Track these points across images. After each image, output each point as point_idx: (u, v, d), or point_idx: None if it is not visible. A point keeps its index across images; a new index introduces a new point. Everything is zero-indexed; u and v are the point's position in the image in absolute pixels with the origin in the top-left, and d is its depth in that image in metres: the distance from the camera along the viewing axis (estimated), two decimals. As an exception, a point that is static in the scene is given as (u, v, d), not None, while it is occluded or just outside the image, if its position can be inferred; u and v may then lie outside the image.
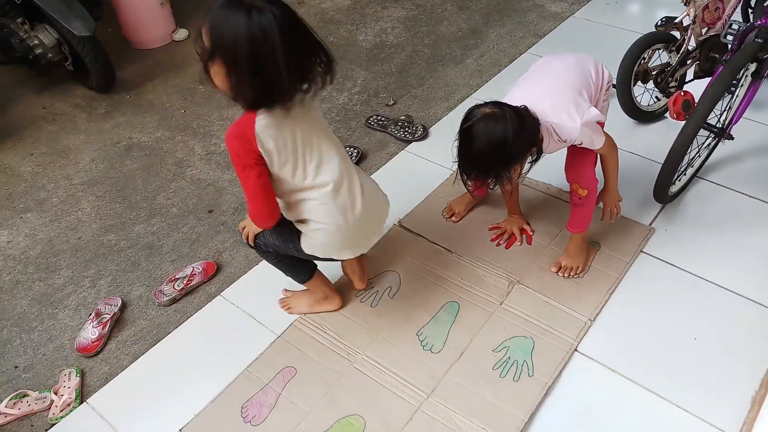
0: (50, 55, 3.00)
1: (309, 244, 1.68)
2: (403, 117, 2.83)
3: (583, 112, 1.72)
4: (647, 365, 1.83)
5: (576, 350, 1.88)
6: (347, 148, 2.66)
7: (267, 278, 2.17)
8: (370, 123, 2.84)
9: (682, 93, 2.14)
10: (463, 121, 1.63)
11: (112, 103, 3.11)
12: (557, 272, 2.09)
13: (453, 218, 2.29)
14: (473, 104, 1.61)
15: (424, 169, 2.57)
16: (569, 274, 2.08)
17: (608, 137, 1.89)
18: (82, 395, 1.85)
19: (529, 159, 1.71)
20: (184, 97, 3.12)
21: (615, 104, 2.64)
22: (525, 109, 1.67)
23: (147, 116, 3.01)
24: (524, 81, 1.90)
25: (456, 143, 1.68)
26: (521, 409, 1.73)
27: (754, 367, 1.82)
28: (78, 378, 1.87)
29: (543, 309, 1.99)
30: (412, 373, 1.83)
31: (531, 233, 2.23)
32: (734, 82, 2.16)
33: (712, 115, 2.07)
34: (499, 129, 1.56)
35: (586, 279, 2.08)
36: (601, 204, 2.09)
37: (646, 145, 2.58)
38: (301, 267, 1.91)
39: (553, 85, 1.81)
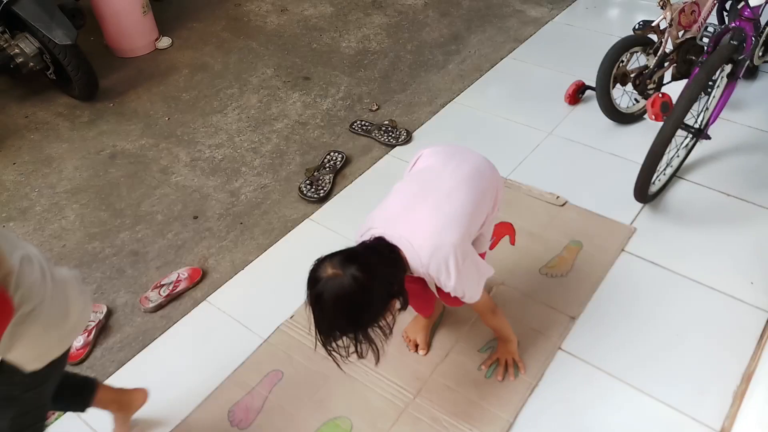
0: (32, 63, 2.98)
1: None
2: (387, 122, 2.85)
3: (459, 267, 1.43)
4: (630, 362, 1.86)
5: (560, 348, 1.90)
6: (332, 153, 2.67)
7: (253, 283, 2.18)
8: (354, 128, 2.86)
9: (660, 95, 2.19)
10: (308, 283, 1.37)
11: (95, 112, 3.10)
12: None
13: (420, 351, 1.91)
14: (317, 262, 1.38)
15: (408, 173, 2.60)
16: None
17: (486, 298, 1.65)
18: (67, 403, 1.84)
19: (398, 305, 1.45)
20: (167, 105, 3.12)
21: (595, 106, 2.69)
22: (380, 254, 1.40)
23: (131, 124, 3.01)
24: (406, 188, 1.56)
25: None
26: (506, 410, 1.75)
27: (735, 362, 1.85)
28: None
29: (527, 309, 2.01)
30: (398, 374, 1.84)
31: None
32: (710, 83, 2.20)
33: (689, 115, 2.11)
34: (343, 294, 1.31)
35: (569, 278, 2.10)
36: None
37: (626, 146, 2.63)
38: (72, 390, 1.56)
39: (439, 215, 1.46)
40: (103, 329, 2.05)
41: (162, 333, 2.03)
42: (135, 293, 2.17)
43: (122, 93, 3.22)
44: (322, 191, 2.51)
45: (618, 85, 2.62)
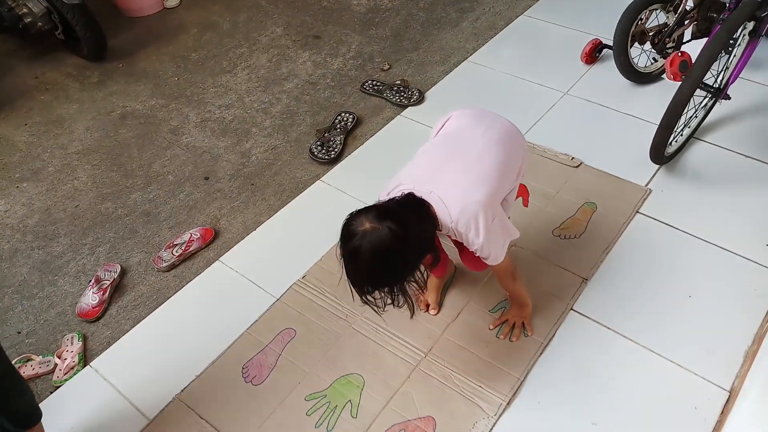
0: (40, 23, 2.96)
1: None
2: (399, 82, 2.81)
3: (489, 225, 1.44)
4: (642, 322, 1.86)
5: (572, 309, 1.90)
6: (343, 114, 2.65)
7: (265, 243, 2.19)
8: (365, 88, 2.82)
9: (680, 54, 2.13)
10: (342, 237, 1.36)
11: (104, 72, 3.08)
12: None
13: (431, 311, 1.92)
14: (351, 216, 1.36)
15: (420, 134, 2.56)
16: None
17: (509, 261, 1.63)
18: (85, 359, 1.87)
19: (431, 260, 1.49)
20: (177, 65, 3.09)
21: (612, 66, 2.63)
22: (412, 209, 1.40)
23: (140, 84, 2.99)
24: (435, 149, 1.57)
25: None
26: (517, 368, 1.76)
27: (747, 323, 1.84)
28: (80, 342, 1.89)
29: (539, 270, 2.01)
30: (410, 333, 1.86)
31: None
32: (731, 41, 2.14)
33: (709, 75, 2.06)
34: (382, 247, 1.30)
35: (582, 239, 2.09)
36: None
37: (643, 107, 2.58)
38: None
39: (469, 174, 1.47)
40: (117, 288, 2.07)
41: (175, 292, 2.05)
42: (148, 253, 2.18)
43: (131, 53, 3.19)
44: (333, 152, 2.49)
45: (636, 44, 2.56)
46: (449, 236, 1.53)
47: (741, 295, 1.91)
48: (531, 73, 2.83)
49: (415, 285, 1.43)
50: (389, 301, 1.41)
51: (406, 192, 1.43)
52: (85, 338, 1.93)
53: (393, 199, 1.43)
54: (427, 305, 1.93)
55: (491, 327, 1.87)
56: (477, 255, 1.51)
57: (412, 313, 1.44)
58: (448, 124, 1.64)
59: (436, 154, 1.54)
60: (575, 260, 2.03)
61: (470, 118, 1.62)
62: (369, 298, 1.40)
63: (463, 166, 1.48)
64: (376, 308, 1.42)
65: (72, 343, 1.88)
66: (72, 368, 1.83)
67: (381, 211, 1.34)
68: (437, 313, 1.92)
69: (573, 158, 2.36)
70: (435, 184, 1.45)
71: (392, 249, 1.31)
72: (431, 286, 1.92)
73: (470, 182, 1.45)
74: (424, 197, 1.42)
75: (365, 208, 1.37)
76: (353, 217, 1.35)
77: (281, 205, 2.32)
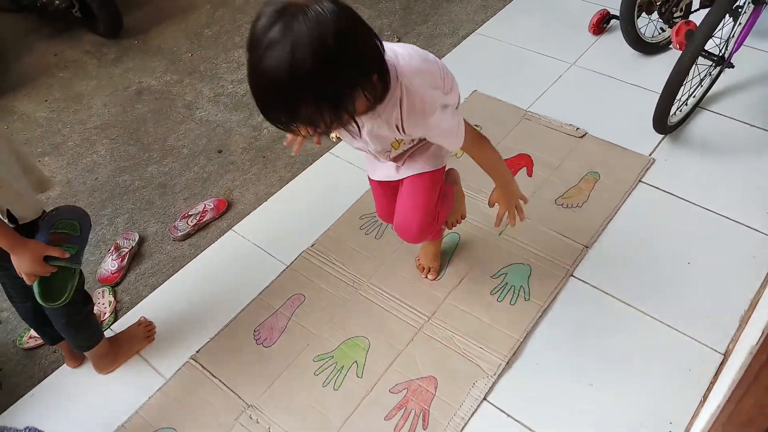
0: (57, 2, 3.03)
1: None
2: (408, 55, 2.83)
3: (446, 96, 1.28)
4: (641, 288, 1.90)
5: (572, 275, 1.95)
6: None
7: (276, 213, 2.26)
8: (374, 62, 2.85)
9: (686, 23, 2.14)
10: (260, 19, 0.97)
11: (120, 49, 3.16)
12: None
13: (430, 276, 1.96)
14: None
15: (427, 106, 2.61)
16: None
17: (470, 129, 1.39)
18: (116, 312, 1.99)
19: (367, 96, 1.08)
20: (190, 41, 3.16)
21: (619, 36, 2.63)
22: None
23: (155, 61, 3.06)
24: None
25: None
26: (516, 330, 1.82)
27: (745, 289, 1.88)
28: (111, 296, 2.01)
29: (541, 238, 2.06)
30: (413, 298, 1.93)
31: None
32: (736, 9, 2.14)
33: (713, 44, 2.07)
34: (307, 31, 0.92)
35: (584, 208, 2.13)
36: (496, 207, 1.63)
37: (650, 77, 2.58)
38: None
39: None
40: (135, 256, 2.16)
41: (190, 260, 2.14)
42: (164, 223, 2.28)
43: (146, 30, 3.26)
44: (342, 125, 2.54)
45: (643, 14, 2.56)
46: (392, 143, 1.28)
47: (740, 261, 1.95)
48: (539, 44, 2.85)
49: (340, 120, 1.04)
50: (311, 130, 1.06)
51: None
52: (115, 293, 2.05)
53: None
54: (428, 270, 1.97)
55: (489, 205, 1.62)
56: (439, 141, 1.32)
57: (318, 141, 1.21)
58: None
59: None
60: (577, 228, 2.07)
61: None
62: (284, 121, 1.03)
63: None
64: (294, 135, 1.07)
65: (103, 296, 2.00)
66: (102, 321, 1.94)
67: None
68: (435, 278, 1.96)
69: (578, 129, 2.39)
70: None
71: (341, 36, 0.94)
72: (429, 251, 1.92)
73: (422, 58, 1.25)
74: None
75: None
76: None
77: (291, 177, 2.39)
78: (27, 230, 1.41)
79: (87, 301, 1.67)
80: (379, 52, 1.08)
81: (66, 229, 1.44)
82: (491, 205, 1.61)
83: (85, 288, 1.64)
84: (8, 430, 1.39)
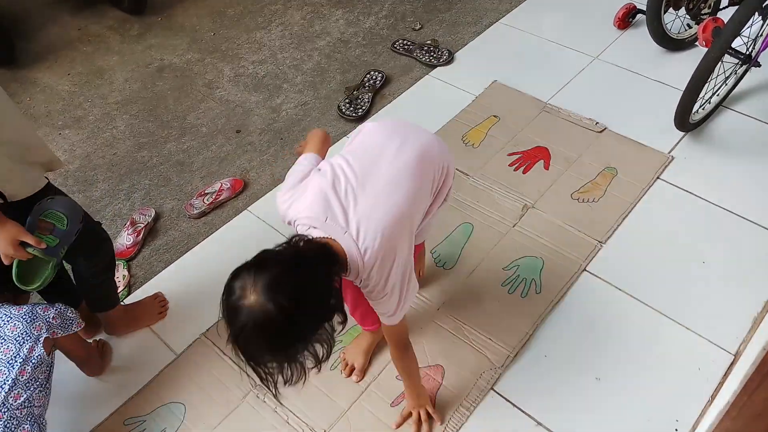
0: (83, -25, 3.05)
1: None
2: (429, 41, 2.82)
3: (405, 276, 1.25)
4: (654, 286, 1.89)
5: (585, 270, 1.95)
6: (372, 72, 2.69)
7: (291, 195, 2.27)
8: (395, 47, 2.85)
9: (714, 20, 2.10)
10: (225, 309, 1.11)
11: (144, 26, 3.17)
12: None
13: (354, 377, 1.74)
14: (264, 247, 1.18)
15: (447, 94, 2.60)
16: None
17: (406, 326, 1.40)
18: (129, 286, 2.02)
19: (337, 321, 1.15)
20: (213, 20, 3.16)
21: (645, 31, 2.60)
22: (316, 261, 1.13)
23: (177, 38, 3.07)
24: (342, 176, 1.28)
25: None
26: (526, 323, 1.82)
27: (758, 290, 1.86)
28: (126, 270, 2.04)
29: (555, 232, 2.05)
30: (425, 289, 1.93)
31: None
32: (765, 7, 2.10)
33: (740, 42, 2.04)
34: (269, 327, 1.05)
35: (600, 204, 2.12)
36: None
37: (674, 74, 2.55)
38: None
39: (379, 210, 1.23)
40: (151, 231, 2.19)
41: (205, 238, 2.16)
42: (180, 200, 2.29)
43: (170, 7, 3.27)
44: (360, 110, 2.54)
45: (671, 9, 2.52)
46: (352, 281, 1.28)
47: (755, 262, 1.93)
48: (562, 36, 2.82)
49: (318, 348, 1.13)
50: (281, 378, 1.13)
51: (306, 238, 1.18)
52: (129, 267, 2.07)
53: (290, 245, 1.16)
54: (352, 369, 1.75)
55: (394, 428, 1.65)
56: (377, 309, 1.31)
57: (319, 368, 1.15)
58: (357, 138, 1.42)
59: (344, 182, 1.26)
60: (592, 223, 2.06)
61: (382, 133, 1.38)
62: (262, 374, 1.12)
63: (375, 198, 1.24)
64: (271, 390, 1.14)
65: (118, 270, 2.02)
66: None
67: (272, 279, 1.06)
68: (360, 380, 1.74)
69: (597, 123, 2.37)
70: (346, 219, 1.21)
71: (280, 327, 1.05)
72: (360, 350, 1.75)
73: (386, 220, 1.22)
74: (334, 236, 1.19)
75: (254, 265, 1.11)
76: (236, 278, 1.10)
77: (308, 160, 2.39)
78: (18, 209, 1.42)
79: (112, 265, 1.76)
80: (332, 306, 1.13)
81: (54, 220, 1.47)
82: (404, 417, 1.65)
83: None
84: (39, 306, 1.46)
